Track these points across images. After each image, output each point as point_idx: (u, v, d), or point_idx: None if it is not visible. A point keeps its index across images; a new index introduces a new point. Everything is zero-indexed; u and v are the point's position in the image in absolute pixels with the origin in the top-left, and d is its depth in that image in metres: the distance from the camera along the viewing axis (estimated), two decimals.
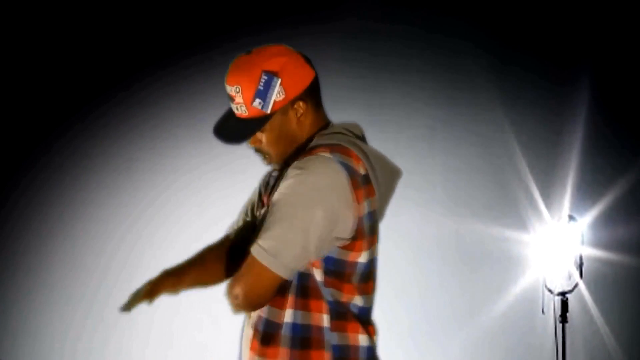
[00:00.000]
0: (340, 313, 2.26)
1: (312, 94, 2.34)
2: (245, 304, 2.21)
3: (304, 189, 2.20)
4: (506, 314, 4.75)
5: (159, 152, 4.88)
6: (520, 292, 4.75)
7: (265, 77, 2.25)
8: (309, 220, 2.18)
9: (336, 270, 2.25)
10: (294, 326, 2.24)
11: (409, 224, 4.71)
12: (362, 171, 2.26)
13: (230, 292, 2.21)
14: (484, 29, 4.96)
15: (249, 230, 2.48)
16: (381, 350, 2.38)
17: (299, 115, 2.31)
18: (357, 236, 2.25)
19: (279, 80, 2.26)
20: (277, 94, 2.27)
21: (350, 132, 2.34)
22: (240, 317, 2.38)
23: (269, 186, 2.48)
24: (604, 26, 4.87)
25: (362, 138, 2.38)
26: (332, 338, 2.24)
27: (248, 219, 2.54)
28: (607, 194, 4.73)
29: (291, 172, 2.23)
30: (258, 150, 2.36)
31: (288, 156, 2.35)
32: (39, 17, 4.89)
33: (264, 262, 2.17)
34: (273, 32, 4.68)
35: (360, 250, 2.27)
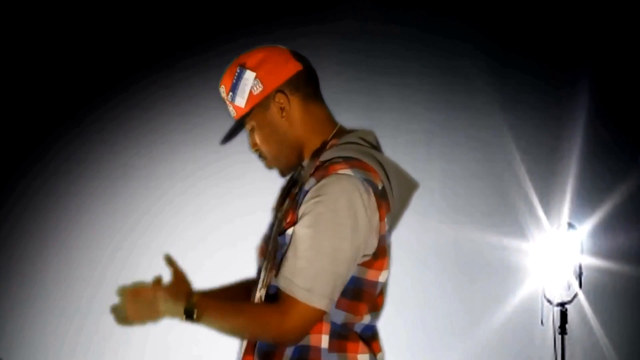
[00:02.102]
0: (341, 334, 2.20)
1: (299, 88, 2.28)
2: (293, 340, 2.15)
3: (328, 214, 2.13)
4: (505, 326, 4.72)
5: (155, 158, 4.86)
6: (519, 303, 4.72)
7: (238, 71, 2.26)
8: (338, 246, 2.12)
9: (354, 288, 2.19)
10: (294, 348, 2.18)
11: (407, 231, 4.64)
12: (379, 185, 2.21)
13: (275, 332, 2.13)
14: (483, 31, 4.94)
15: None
16: None
17: (281, 108, 2.27)
18: (378, 254, 2.20)
19: (253, 74, 2.25)
20: (252, 87, 2.25)
21: (366, 141, 2.28)
22: None
23: (283, 191, 2.44)
24: (604, 30, 4.84)
25: (377, 147, 2.32)
26: (331, 359, 2.18)
27: None
28: (607, 200, 4.69)
29: (312, 196, 2.16)
30: (259, 154, 2.34)
31: (292, 161, 2.31)
32: (33, 22, 4.86)
33: (301, 299, 2.11)
34: (270, 34, 4.65)
35: (380, 269, 2.22)
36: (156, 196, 4.80)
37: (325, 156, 2.24)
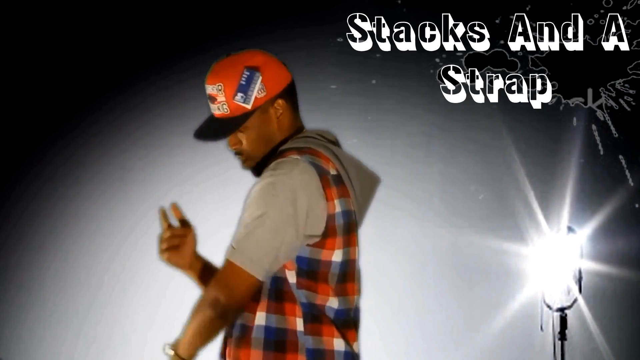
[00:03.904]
0: (315, 316, 2.25)
1: (291, 96, 2.38)
2: (225, 308, 2.19)
3: (273, 189, 2.20)
4: (504, 331, 4.72)
5: (153, 161, 4.83)
6: (518, 308, 4.72)
7: (247, 73, 2.30)
8: (280, 219, 2.19)
9: (309, 270, 2.25)
10: (268, 329, 2.23)
11: (406, 235, 4.68)
12: (332, 171, 2.29)
13: (207, 297, 2.20)
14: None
15: None
16: None
17: (278, 114, 2.34)
18: (328, 233, 2.25)
19: (261, 77, 2.30)
20: (258, 90, 2.30)
21: (322, 137, 2.37)
22: None
23: None
24: None
25: (336, 143, 2.41)
26: (307, 341, 2.23)
27: None
28: (607, 204, 4.68)
29: (262, 176, 2.25)
30: (237, 152, 2.38)
31: (260, 159, 2.37)
32: (30, 24, 4.84)
33: (239, 264, 2.18)
34: (268, 35, 4.66)
35: (332, 249, 2.27)
36: (154, 200, 4.76)
37: (281, 149, 2.34)
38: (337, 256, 2.28)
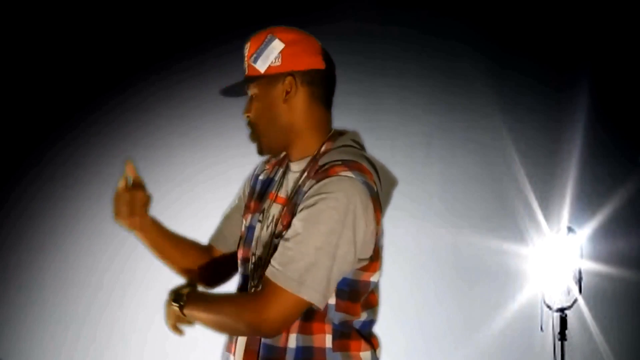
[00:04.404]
0: (343, 333, 2.23)
1: (312, 83, 2.32)
2: (272, 331, 2.16)
3: (329, 212, 2.14)
4: (504, 332, 4.72)
5: (153, 161, 4.82)
6: (518, 309, 4.72)
7: (269, 37, 2.30)
8: (336, 244, 2.13)
9: (350, 290, 2.22)
10: (297, 350, 2.20)
11: (406, 236, 4.68)
12: (375, 188, 2.24)
13: (254, 318, 2.14)
14: (483, 33, 4.92)
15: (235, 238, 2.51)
16: None
17: (286, 91, 2.31)
18: (374, 257, 2.24)
19: (281, 48, 2.29)
20: (273, 59, 2.30)
21: (357, 143, 2.33)
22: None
23: (256, 191, 2.47)
24: (604, 32, 4.83)
25: (363, 147, 2.37)
26: (335, 358, 2.21)
27: (233, 226, 2.55)
28: (607, 204, 4.68)
29: (313, 194, 2.18)
30: (248, 122, 2.37)
31: (276, 144, 2.35)
32: (29, 25, 4.84)
33: (290, 290, 2.12)
34: None
35: (375, 271, 2.26)
36: (153, 200, 4.77)
37: (323, 160, 2.26)
38: (375, 277, 2.27)
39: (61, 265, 4.76)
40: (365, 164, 2.24)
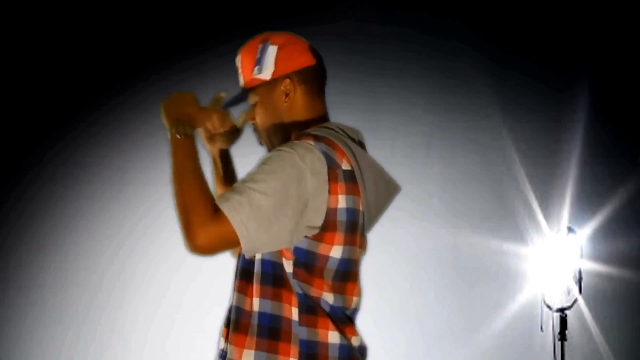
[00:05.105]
0: (310, 307, 2.23)
1: (307, 81, 2.40)
2: (201, 250, 2.17)
3: (282, 164, 2.19)
4: (504, 332, 4.71)
5: (152, 162, 4.82)
6: (518, 309, 4.71)
7: (263, 45, 2.38)
8: (282, 193, 2.17)
9: (306, 262, 2.23)
10: (263, 315, 2.22)
11: (406, 236, 4.67)
12: (345, 167, 2.25)
13: (191, 234, 2.18)
14: (483, 33, 4.92)
15: None
16: None
17: (285, 93, 2.37)
18: (327, 227, 2.23)
19: (276, 51, 2.37)
20: (269, 65, 2.38)
21: (344, 132, 2.35)
22: None
23: None
24: (604, 31, 4.83)
25: (360, 144, 2.38)
26: (301, 332, 2.21)
27: None
28: (607, 204, 4.67)
29: (272, 150, 2.26)
30: (255, 128, 2.43)
31: (272, 138, 2.40)
32: (29, 25, 4.84)
33: (233, 222, 2.14)
34: None
35: (331, 244, 2.25)
36: (153, 200, 4.77)
37: (299, 134, 2.34)
38: (335, 252, 2.26)
39: (61, 265, 4.76)
40: (340, 145, 2.26)
